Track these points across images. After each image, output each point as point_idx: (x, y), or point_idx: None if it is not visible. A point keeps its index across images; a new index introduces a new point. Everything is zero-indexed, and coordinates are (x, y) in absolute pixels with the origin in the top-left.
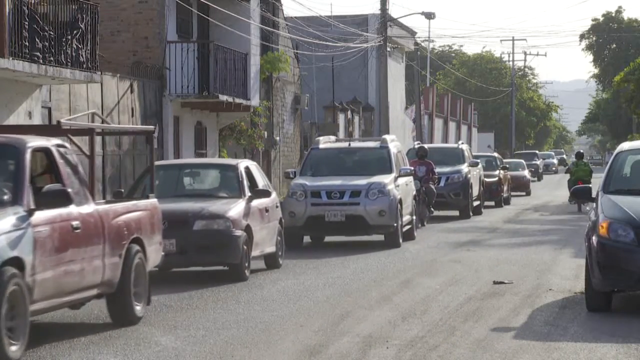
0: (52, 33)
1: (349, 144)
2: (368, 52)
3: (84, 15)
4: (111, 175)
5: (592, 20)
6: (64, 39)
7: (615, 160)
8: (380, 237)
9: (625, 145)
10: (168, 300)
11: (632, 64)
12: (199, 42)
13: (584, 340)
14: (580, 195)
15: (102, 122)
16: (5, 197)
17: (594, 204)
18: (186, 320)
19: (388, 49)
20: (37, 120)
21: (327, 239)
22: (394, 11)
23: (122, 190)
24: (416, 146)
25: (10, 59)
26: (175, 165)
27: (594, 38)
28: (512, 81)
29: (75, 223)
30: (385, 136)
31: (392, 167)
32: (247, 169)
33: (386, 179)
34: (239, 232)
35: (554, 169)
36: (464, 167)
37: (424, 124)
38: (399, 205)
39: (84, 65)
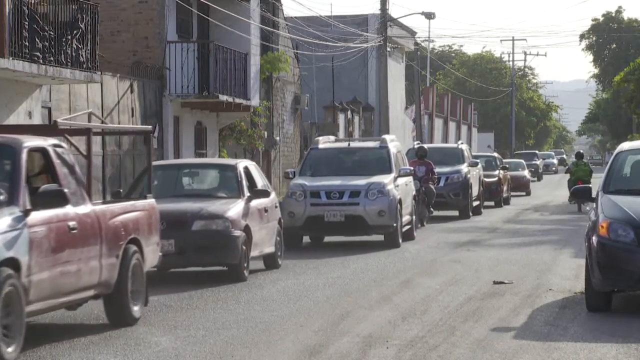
0: (52, 33)
1: (349, 144)
2: (368, 52)
3: (84, 15)
4: (111, 175)
5: (592, 20)
6: (64, 39)
7: (615, 160)
8: (380, 237)
9: (625, 145)
10: (167, 301)
11: (632, 64)
12: (199, 42)
13: (584, 340)
14: (580, 195)
15: (100, 122)
16: (1, 198)
17: (594, 204)
18: (186, 320)
19: (388, 49)
20: (37, 120)
21: (327, 239)
22: (394, 11)
23: (121, 190)
24: (416, 146)
25: (10, 59)
26: (174, 165)
27: (594, 38)
28: (512, 81)
29: (71, 223)
30: (385, 136)
31: (391, 167)
32: (246, 169)
33: (386, 179)
34: (237, 233)
35: (553, 169)
36: (464, 167)
37: (423, 124)
38: (398, 206)
39: (84, 65)
